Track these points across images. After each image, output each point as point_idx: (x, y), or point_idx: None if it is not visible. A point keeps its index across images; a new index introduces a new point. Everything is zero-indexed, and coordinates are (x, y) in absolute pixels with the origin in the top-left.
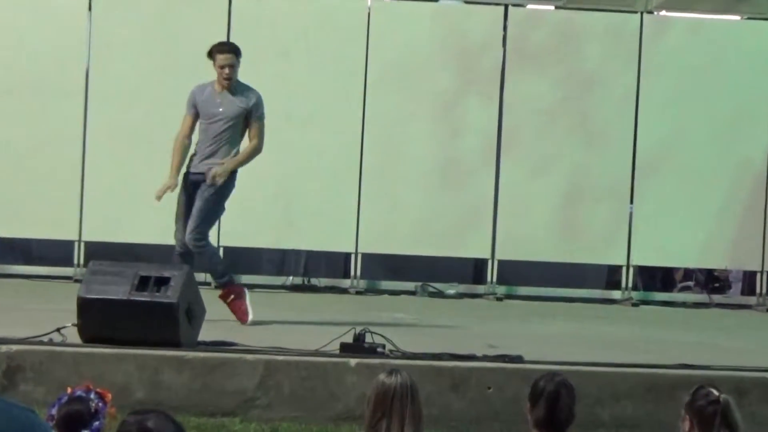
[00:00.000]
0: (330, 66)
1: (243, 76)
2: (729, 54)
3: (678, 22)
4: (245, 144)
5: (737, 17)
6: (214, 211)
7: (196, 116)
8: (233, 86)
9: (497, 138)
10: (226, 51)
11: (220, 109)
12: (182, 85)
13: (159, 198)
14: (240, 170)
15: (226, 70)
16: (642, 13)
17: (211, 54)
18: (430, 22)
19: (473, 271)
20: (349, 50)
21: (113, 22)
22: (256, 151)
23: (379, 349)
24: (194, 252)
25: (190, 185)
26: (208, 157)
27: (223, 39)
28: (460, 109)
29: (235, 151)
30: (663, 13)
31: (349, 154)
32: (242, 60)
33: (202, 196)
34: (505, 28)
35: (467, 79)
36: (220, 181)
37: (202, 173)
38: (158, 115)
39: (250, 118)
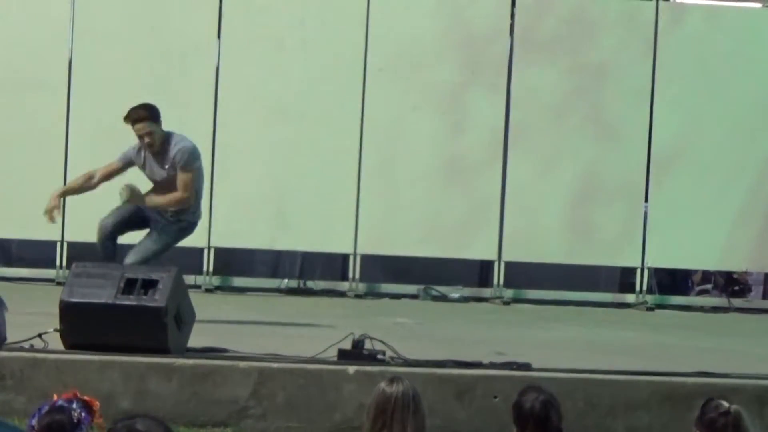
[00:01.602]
0: (327, 57)
1: (236, 68)
2: (749, 44)
3: (695, 9)
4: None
5: (758, 4)
6: (158, 252)
7: (125, 167)
8: (157, 148)
9: (504, 133)
10: (137, 120)
11: (156, 178)
12: (170, 77)
13: (52, 219)
14: (232, 167)
15: (146, 139)
16: (657, 1)
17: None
18: (433, 10)
19: (479, 273)
20: (348, 40)
21: (97, 11)
22: (180, 201)
23: (380, 356)
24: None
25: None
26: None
27: (214, 29)
28: (465, 103)
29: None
30: (679, 0)
31: (348, 150)
32: (234, 51)
33: (154, 236)
34: (512, 15)
35: (472, 71)
36: (125, 195)
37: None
38: None
39: (176, 170)
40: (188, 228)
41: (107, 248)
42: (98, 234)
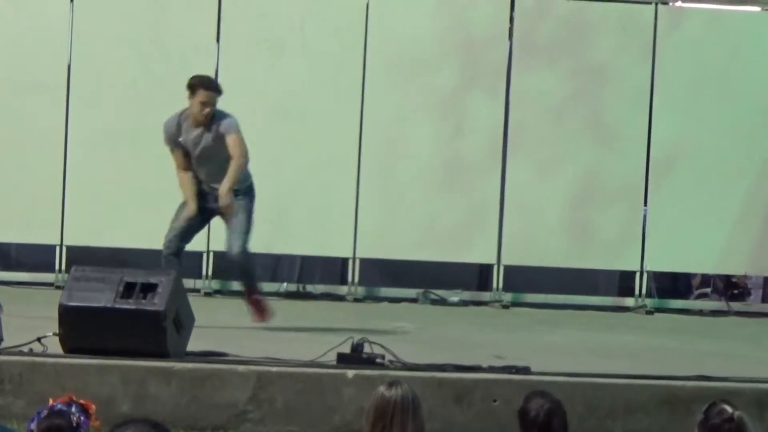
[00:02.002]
0: (326, 60)
1: (235, 70)
2: (748, 48)
3: (694, 13)
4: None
5: (757, 9)
6: (250, 221)
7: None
8: (208, 120)
9: (503, 136)
10: (209, 88)
11: (196, 149)
12: (170, 80)
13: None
14: None
15: (206, 109)
16: (657, 4)
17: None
18: (433, 14)
19: (478, 277)
20: (347, 43)
21: (97, 14)
22: (243, 163)
23: (379, 360)
24: (241, 263)
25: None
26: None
27: (213, 32)
28: (464, 106)
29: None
30: (679, 4)
31: (347, 154)
32: (233, 54)
33: (240, 209)
34: (511, 19)
35: (472, 74)
36: (230, 203)
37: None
38: (144, 112)
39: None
40: (249, 191)
41: (171, 263)
42: (166, 250)
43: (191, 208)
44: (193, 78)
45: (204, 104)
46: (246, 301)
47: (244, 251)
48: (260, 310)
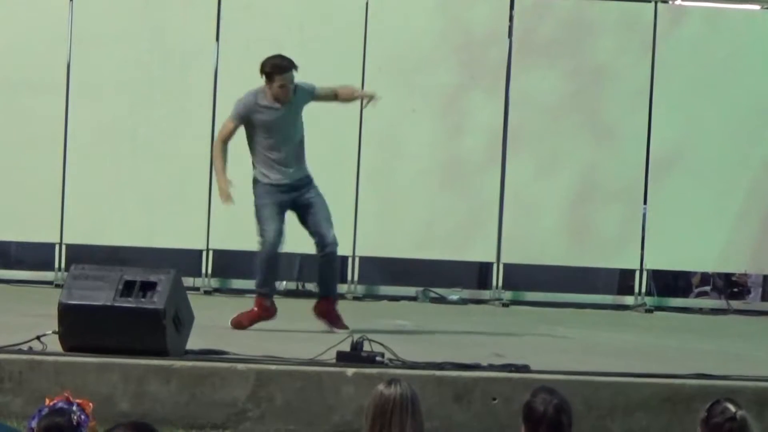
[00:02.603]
0: (326, 60)
1: (233, 70)
2: (749, 46)
3: (694, 12)
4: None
5: (757, 7)
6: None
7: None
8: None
9: (503, 135)
10: (291, 68)
11: (280, 124)
12: (169, 79)
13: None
14: (230, 169)
15: (288, 92)
16: (656, 3)
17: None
18: (432, 13)
19: (478, 275)
20: (346, 43)
21: (96, 14)
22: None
23: (378, 358)
24: (333, 255)
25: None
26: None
27: (212, 31)
28: (464, 106)
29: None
30: (679, 2)
31: (346, 153)
32: (233, 54)
33: (316, 200)
34: (511, 18)
35: (471, 74)
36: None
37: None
38: (143, 111)
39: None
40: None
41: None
42: (275, 254)
43: (224, 190)
44: (266, 64)
45: (283, 87)
46: (323, 310)
47: (336, 242)
48: (335, 318)
